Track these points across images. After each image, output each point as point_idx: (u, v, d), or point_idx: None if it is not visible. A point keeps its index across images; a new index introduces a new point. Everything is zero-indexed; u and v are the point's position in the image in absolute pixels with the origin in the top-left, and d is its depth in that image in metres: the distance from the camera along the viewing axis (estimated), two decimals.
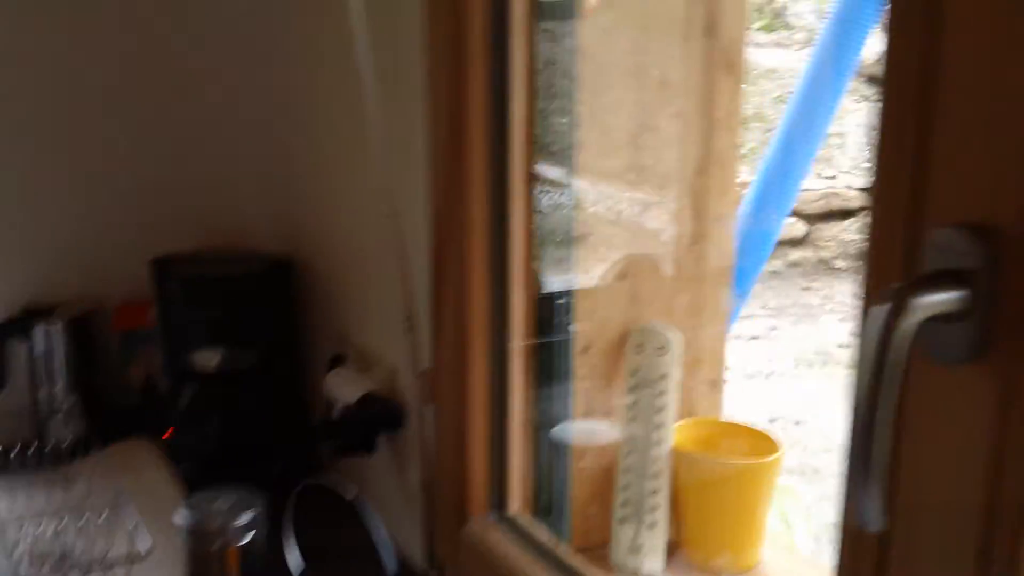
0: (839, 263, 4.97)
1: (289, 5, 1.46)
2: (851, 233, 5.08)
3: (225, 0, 1.52)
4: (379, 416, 1.22)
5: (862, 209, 5.12)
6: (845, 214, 5.12)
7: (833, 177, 5.04)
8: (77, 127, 1.48)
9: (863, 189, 5.14)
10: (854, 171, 5.11)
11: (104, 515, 1.24)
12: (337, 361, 1.35)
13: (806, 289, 4.73)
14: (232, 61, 1.54)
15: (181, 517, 1.04)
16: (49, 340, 1.44)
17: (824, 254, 4.97)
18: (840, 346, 4.12)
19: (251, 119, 1.56)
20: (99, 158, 1.50)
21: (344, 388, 1.29)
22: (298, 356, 1.49)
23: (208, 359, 1.39)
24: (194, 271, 1.39)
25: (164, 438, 1.41)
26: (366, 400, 1.23)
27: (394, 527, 1.24)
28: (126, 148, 1.51)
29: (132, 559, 1.13)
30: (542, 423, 1.12)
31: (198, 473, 1.36)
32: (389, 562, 1.09)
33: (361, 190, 1.28)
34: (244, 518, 1.02)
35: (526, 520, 1.06)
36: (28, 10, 1.42)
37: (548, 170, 1.09)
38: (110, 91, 1.49)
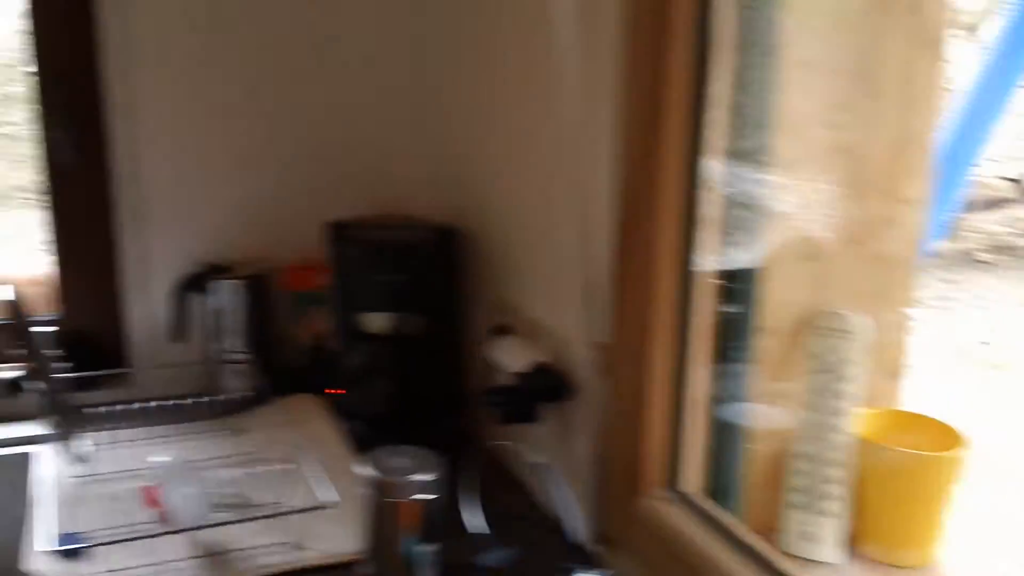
0: (983, 256, 4.74)
1: None
2: (997, 225, 4.83)
3: None
4: (545, 386, 1.23)
5: (1010, 200, 4.85)
6: (991, 204, 4.86)
7: (980, 166, 4.78)
8: (260, 95, 1.54)
9: (1012, 180, 4.87)
10: (1003, 160, 4.84)
11: (282, 465, 1.30)
12: (501, 329, 1.37)
13: (946, 281, 4.53)
14: (408, 35, 1.57)
15: (364, 470, 1.08)
16: (228, 296, 1.51)
17: (968, 245, 4.74)
18: (981, 343, 3.94)
19: (422, 90, 1.60)
20: (279, 125, 1.56)
21: (510, 356, 1.31)
22: (460, 323, 1.52)
23: (378, 322, 1.43)
24: (370, 236, 1.44)
25: (333, 395, 1.47)
26: (533, 369, 1.24)
27: (546, 498, 1.25)
28: (304, 116, 1.57)
29: (312, 509, 1.18)
30: (717, 402, 1.12)
31: (364, 431, 1.40)
32: (574, 530, 1.10)
33: (534, 161, 1.29)
34: (426, 476, 1.06)
35: (701, 498, 1.05)
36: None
37: (740, 147, 1.07)
38: (291, 61, 1.55)
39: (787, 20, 1.06)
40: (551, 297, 1.27)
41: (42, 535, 1.14)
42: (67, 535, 1.13)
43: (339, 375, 1.47)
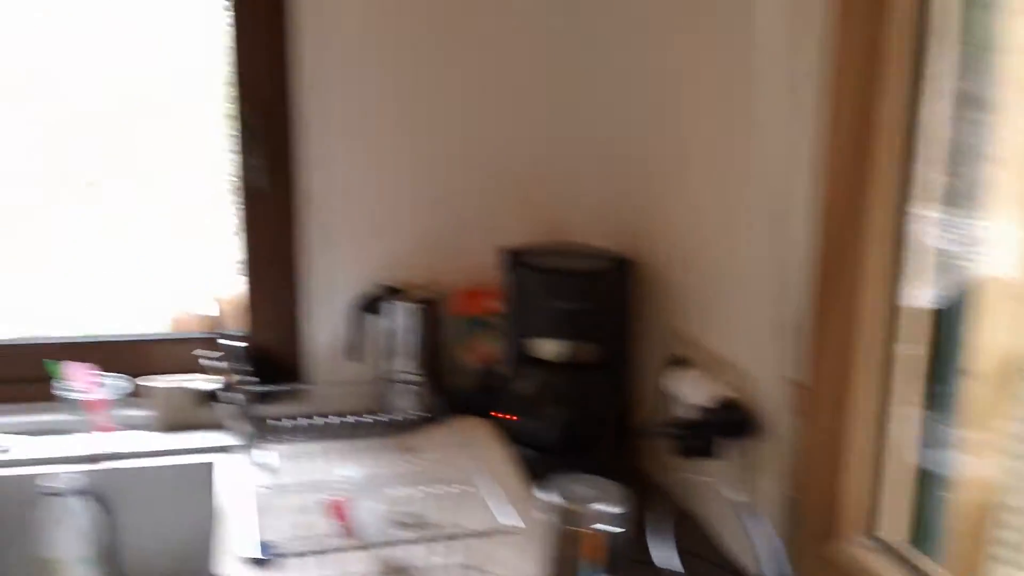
0: None
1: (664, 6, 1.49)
2: None
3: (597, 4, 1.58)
4: (729, 422, 1.21)
5: None
6: None
7: None
8: (443, 124, 1.58)
9: None
10: None
11: (460, 487, 1.32)
12: (679, 361, 1.36)
13: None
14: (591, 67, 1.60)
15: (548, 497, 1.08)
16: (401, 318, 1.55)
17: None
18: None
19: (603, 119, 1.61)
20: (459, 153, 1.60)
21: (689, 389, 1.29)
22: (634, 352, 1.51)
23: (551, 349, 1.44)
24: (545, 263, 1.45)
25: (502, 419, 1.49)
26: (717, 404, 1.22)
27: (731, 536, 1.23)
28: (483, 146, 1.60)
29: (495, 532, 1.19)
30: (919, 448, 1.07)
31: (535, 458, 1.41)
32: (766, 572, 1.07)
33: (721, 188, 1.28)
34: (612, 506, 1.05)
35: (904, 546, 1.01)
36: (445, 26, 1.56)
37: (952, 178, 1.04)
38: (475, 93, 1.59)
39: (1006, 55, 1.02)
40: (735, 330, 1.25)
41: (235, 542, 1.19)
42: (260, 543, 1.18)
43: (509, 400, 1.49)
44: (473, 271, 1.61)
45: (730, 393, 1.22)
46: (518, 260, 1.46)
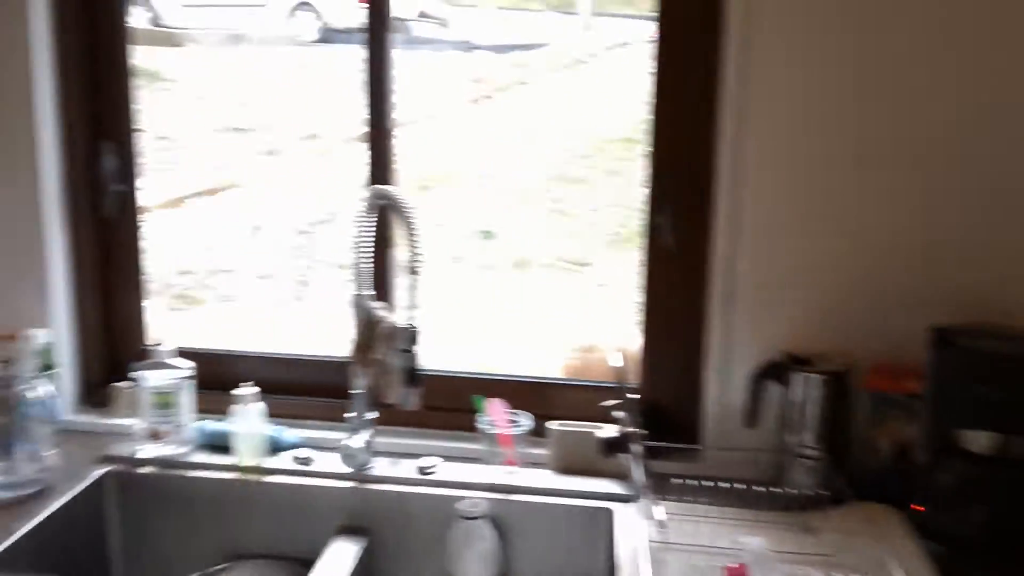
0: None
1: None
2: None
3: None
4: None
5: None
6: None
7: None
8: (864, 194, 1.51)
9: None
10: None
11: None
12: None
13: None
14: None
15: None
16: (805, 389, 1.49)
17: None
18: None
19: None
20: (883, 227, 1.51)
21: None
22: None
23: (980, 441, 1.31)
24: (979, 346, 1.32)
25: (914, 510, 1.37)
26: None
27: None
28: (909, 219, 1.50)
29: None
30: None
31: (950, 557, 1.28)
32: None
33: None
34: None
35: None
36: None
37: None
38: (905, 159, 1.49)
39: None
40: None
41: None
42: None
43: (924, 490, 1.36)
44: (890, 347, 1.50)
45: None
46: (947, 340, 1.34)
